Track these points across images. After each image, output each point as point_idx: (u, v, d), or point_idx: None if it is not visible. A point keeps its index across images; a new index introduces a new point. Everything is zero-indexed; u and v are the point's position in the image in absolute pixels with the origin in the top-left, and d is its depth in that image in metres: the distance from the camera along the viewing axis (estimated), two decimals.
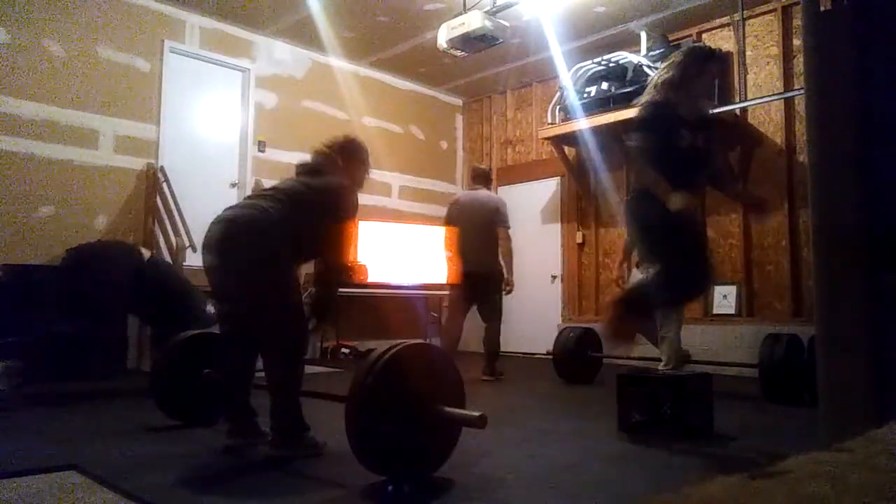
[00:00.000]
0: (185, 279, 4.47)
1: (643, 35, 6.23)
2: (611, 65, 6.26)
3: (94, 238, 5.32)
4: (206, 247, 2.60)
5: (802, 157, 5.61)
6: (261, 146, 6.59)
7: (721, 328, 5.84)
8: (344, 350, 6.71)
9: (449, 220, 5.20)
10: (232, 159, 6.48)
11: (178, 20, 6.10)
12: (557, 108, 6.78)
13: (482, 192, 5.27)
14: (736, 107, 5.85)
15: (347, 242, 2.74)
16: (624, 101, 6.07)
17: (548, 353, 6.19)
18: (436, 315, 7.29)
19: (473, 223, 5.00)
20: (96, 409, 3.62)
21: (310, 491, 2.13)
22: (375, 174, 7.67)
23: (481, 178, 5.41)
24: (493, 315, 5.02)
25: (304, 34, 6.61)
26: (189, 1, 5.99)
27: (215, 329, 2.94)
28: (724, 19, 6.07)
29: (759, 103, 5.78)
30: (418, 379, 2.10)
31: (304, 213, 2.62)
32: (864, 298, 1.64)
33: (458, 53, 5.42)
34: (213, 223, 2.62)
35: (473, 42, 5.16)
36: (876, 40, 1.69)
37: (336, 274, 2.74)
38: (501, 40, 5.25)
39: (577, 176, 7.19)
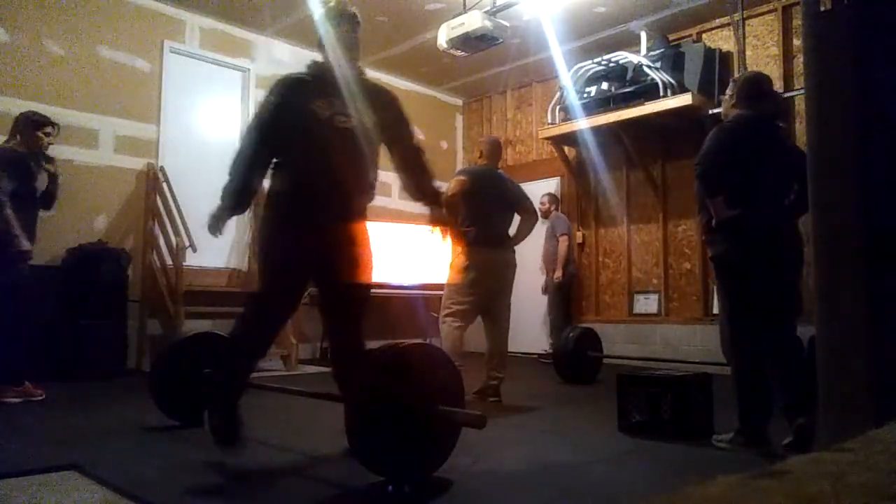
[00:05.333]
0: None
1: (643, 35, 6.22)
2: (611, 65, 6.26)
3: (94, 238, 5.33)
4: None
5: None
6: None
7: None
8: None
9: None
10: None
11: (178, 20, 6.10)
12: (557, 108, 6.78)
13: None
14: None
15: None
16: (624, 101, 6.07)
17: (546, 354, 6.23)
18: (435, 315, 7.28)
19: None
20: (96, 409, 3.62)
21: (310, 491, 2.13)
22: None
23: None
24: None
25: (304, 34, 6.59)
26: (189, 1, 5.99)
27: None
28: (724, 19, 6.07)
29: None
30: (418, 379, 2.10)
31: None
32: (864, 298, 1.63)
33: (458, 53, 5.42)
34: None
35: (473, 42, 5.15)
36: (876, 40, 1.69)
37: None
38: (501, 40, 5.25)
39: (577, 176, 7.20)
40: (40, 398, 3.78)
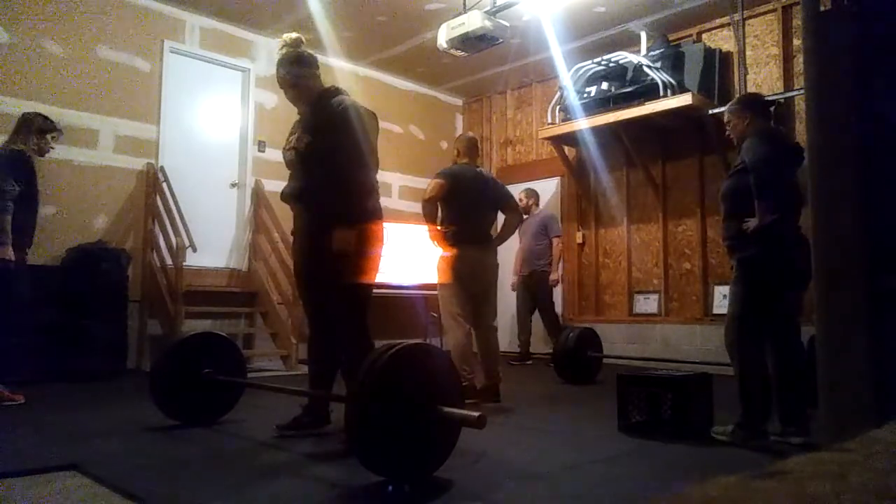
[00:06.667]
0: None
1: (643, 35, 6.23)
2: (611, 65, 6.26)
3: (94, 238, 5.34)
4: None
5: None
6: (261, 146, 6.59)
7: (721, 328, 5.83)
8: None
9: None
10: (232, 159, 6.48)
11: (178, 20, 6.10)
12: (557, 108, 6.78)
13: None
14: None
15: None
16: (624, 101, 6.07)
17: (547, 354, 6.23)
18: (436, 315, 7.29)
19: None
20: (96, 409, 3.62)
21: (310, 491, 2.13)
22: None
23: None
24: None
25: (303, 34, 6.59)
26: (189, 1, 5.99)
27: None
28: (724, 19, 6.07)
29: None
30: (418, 379, 2.10)
31: None
32: (863, 299, 1.64)
33: (458, 53, 5.42)
34: None
35: (473, 42, 5.15)
36: (876, 40, 1.69)
37: None
38: (501, 40, 5.24)
39: (577, 176, 7.20)
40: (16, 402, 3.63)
